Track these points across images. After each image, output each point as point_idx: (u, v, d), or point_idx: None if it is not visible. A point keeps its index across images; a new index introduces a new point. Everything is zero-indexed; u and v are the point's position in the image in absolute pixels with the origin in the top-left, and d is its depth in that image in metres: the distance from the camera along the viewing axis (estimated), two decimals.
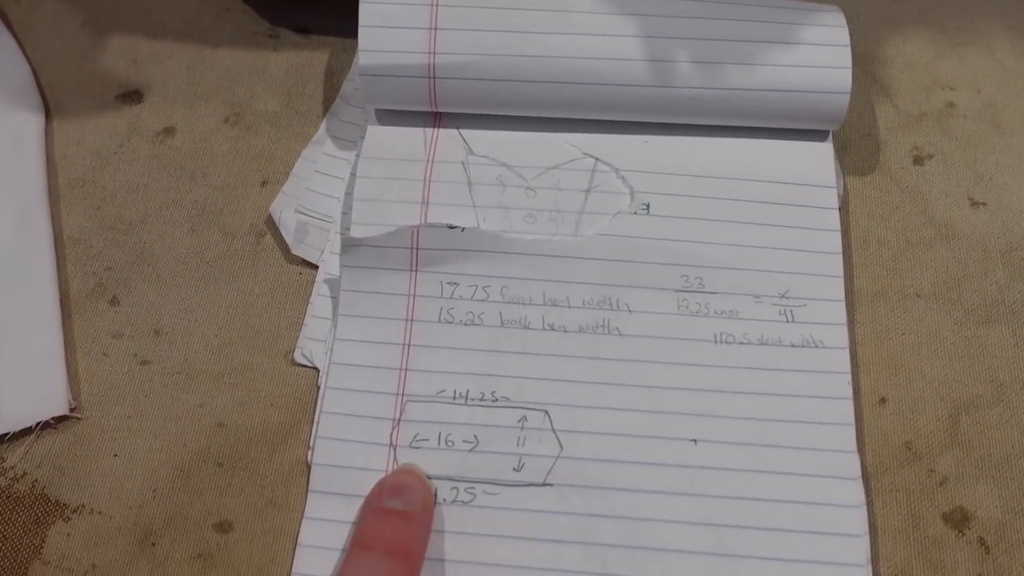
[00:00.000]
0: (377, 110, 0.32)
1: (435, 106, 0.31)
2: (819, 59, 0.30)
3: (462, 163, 0.31)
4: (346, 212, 0.32)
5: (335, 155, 0.34)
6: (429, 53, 0.30)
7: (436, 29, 0.30)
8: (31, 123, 0.35)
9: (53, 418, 0.29)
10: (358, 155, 0.33)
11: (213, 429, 0.29)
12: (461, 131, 0.32)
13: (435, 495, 0.27)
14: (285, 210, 0.32)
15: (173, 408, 0.30)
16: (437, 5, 0.30)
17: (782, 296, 0.29)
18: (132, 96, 0.36)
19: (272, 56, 0.37)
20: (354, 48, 0.36)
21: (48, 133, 0.35)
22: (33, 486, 0.28)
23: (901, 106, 0.34)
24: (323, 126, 0.35)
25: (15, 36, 0.37)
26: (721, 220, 0.30)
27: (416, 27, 0.30)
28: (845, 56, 0.30)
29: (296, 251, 0.32)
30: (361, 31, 0.30)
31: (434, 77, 0.30)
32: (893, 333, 0.30)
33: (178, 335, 0.31)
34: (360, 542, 0.25)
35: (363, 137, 0.32)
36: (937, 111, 0.34)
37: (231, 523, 0.28)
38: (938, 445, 0.28)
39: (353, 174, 0.32)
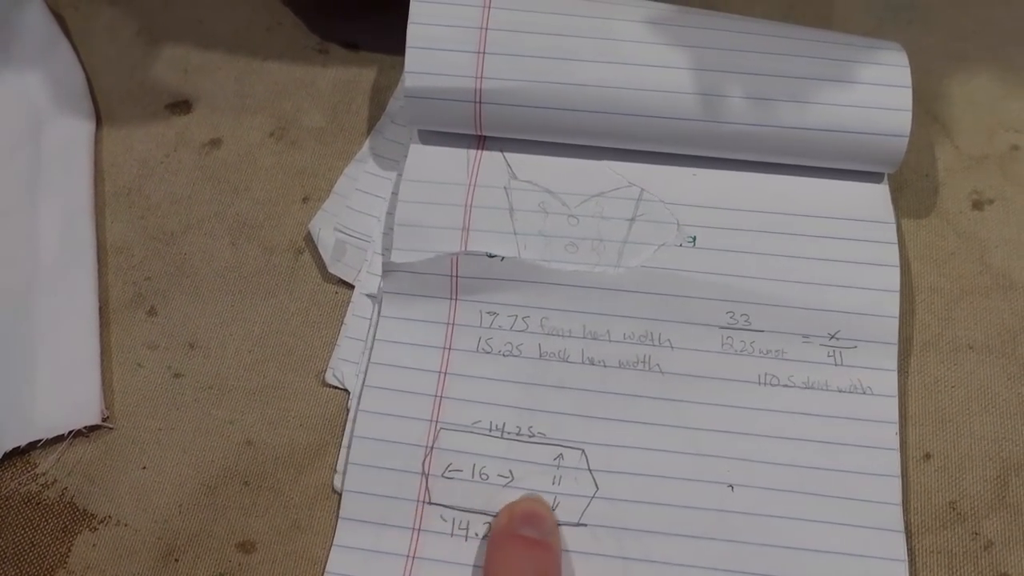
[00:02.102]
0: (420, 130, 0.32)
1: (480, 129, 0.31)
2: (878, 100, 0.29)
3: (504, 188, 0.31)
4: (386, 232, 0.32)
5: (377, 174, 0.33)
6: (476, 77, 0.30)
7: (484, 53, 0.30)
8: (82, 130, 0.35)
9: (85, 427, 0.29)
10: (399, 175, 0.32)
11: (241, 447, 0.29)
12: (505, 154, 0.31)
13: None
14: (324, 228, 0.32)
15: (203, 423, 0.29)
16: (486, 29, 0.30)
17: (831, 337, 0.28)
18: (181, 106, 0.36)
19: (320, 71, 0.37)
20: (402, 66, 0.36)
21: (98, 140, 0.35)
22: (62, 494, 0.28)
23: (962, 147, 0.33)
24: (367, 144, 0.34)
25: (72, 43, 0.37)
26: (770, 255, 0.29)
27: (464, 50, 0.30)
28: (906, 98, 0.29)
29: (332, 270, 0.31)
30: (408, 52, 0.30)
31: (480, 102, 0.30)
32: (942, 385, 0.29)
33: (212, 349, 0.31)
34: (500, 571, 0.24)
35: (406, 157, 0.32)
36: (1000, 154, 0.33)
37: (254, 543, 0.28)
38: (984, 506, 0.27)
39: (394, 194, 0.32)
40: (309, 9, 0.38)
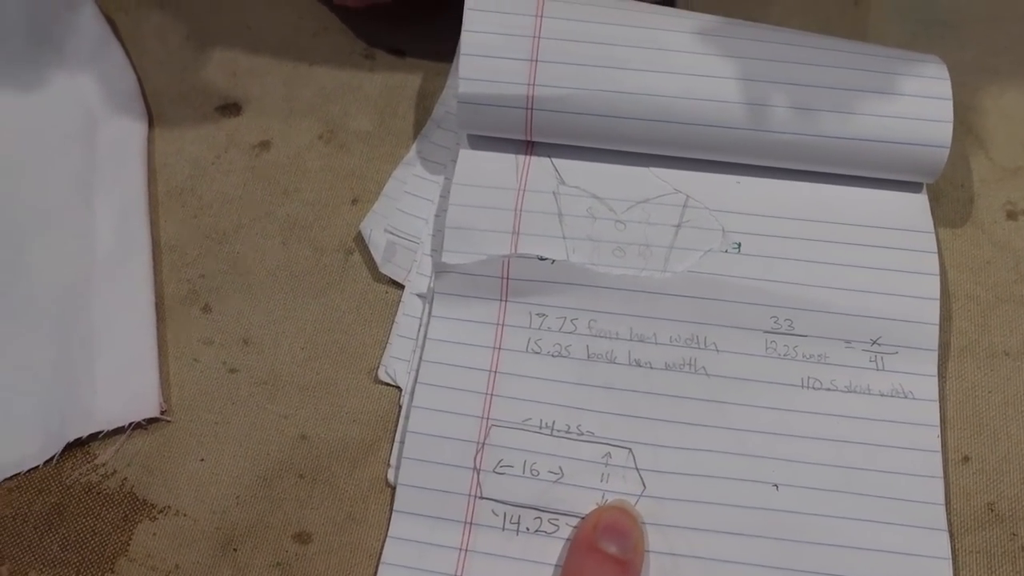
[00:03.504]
0: (470, 135, 0.33)
1: (529, 135, 0.32)
2: (920, 111, 0.30)
3: (553, 193, 0.32)
4: (434, 234, 0.33)
5: (425, 177, 0.34)
6: (528, 84, 0.31)
7: (536, 61, 0.31)
8: (135, 131, 0.36)
9: (144, 419, 0.30)
10: (447, 179, 0.33)
11: (296, 441, 0.30)
12: (553, 160, 0.32)
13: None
14: (375, 229, 0.33)
15: (258, 417, 0.30)
16: (539, 37, 0.31)
17: (873, 342, 0.29)
18: (231, 108, 0.37)
19: (367, 76, 0.38)
20: (447, 72, 0.37)
21: (150, 141, 0.36)
22: (122, 484, 0.29)
23: (996, 159, 0.34)
24: (414, 147, 0.35)
25: (123, 46, 0.38)
26: (814, 262, 0.30)
27: (517, 58, 0.31)
28: (946, 110, 0.30)
29: (384, 270, 0.32)
30: (462, 59, 0.31)
31: (532, 108, 0.31)
32: (979, 391, 0.30)
33: (266, 346, 0.32)
34: None
35: (454, 161, 0.33)
36: None
37: (310, 534, 0.28)
38: (1022, 508, 0.28)
39: (443, 196, 0.33)
40: (354, 15, 0.39)
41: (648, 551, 0.27)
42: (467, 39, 0.31)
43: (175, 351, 0.32)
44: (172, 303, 0.33)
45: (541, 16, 0.31)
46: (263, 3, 0.40)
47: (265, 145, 0.36)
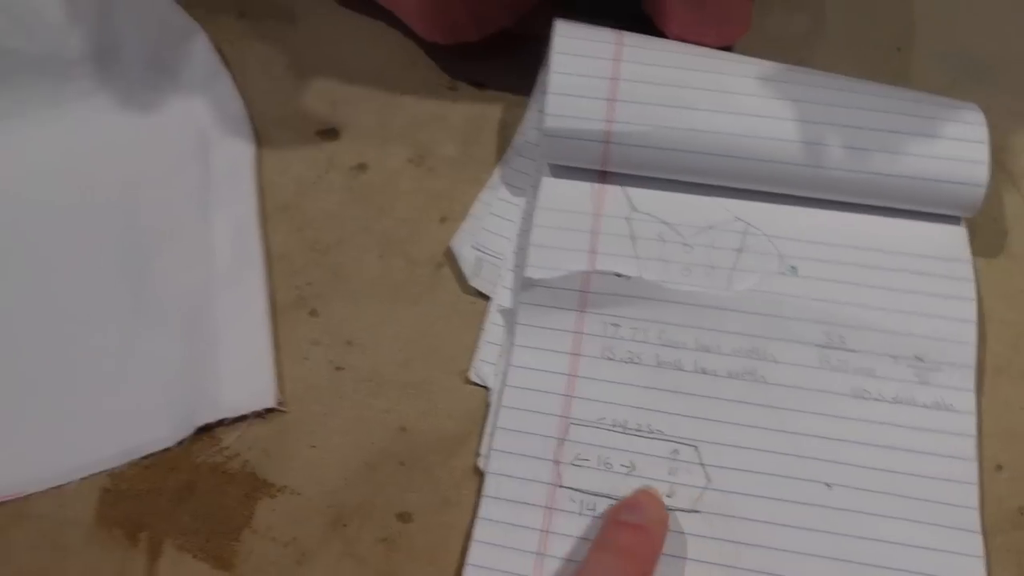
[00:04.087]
0: (551, 164, 0.37)
1: (605, 166, 0.36)
2: (959, 153, 0.34)
3: (626, 219, 0.36)
4: (517, 251, 0.37)
5: (508, 200, 0.38)
6: (607, 121, 0.35)
7: (615, 100, 0.35)
8: (244, 151, 0.41)
9: (263, 409, 0.34)
10: (528, 202, 0.38)
11: (396, 432, 0.34)
12: (625, 189, 0.36)
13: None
14: (464, 246, 0.37)
15: (363, 411, 0.35)
16: (617, 79, 0.35)
17: (917, 359, 0.33)
18: (330, 133, 0.41)
19: (452, 106, 0.42)
20: (524, 104, 0.42)
21: (258, 161, 0.41)
22: (244, 465, 0.34)
23: None
24: (496, 173, 0.40)
25: (231, 73, 0.43)
26: (863, 285, 0.34)
27: (597, 97, 0.35)
28: (983, 152, 0.34)
29: (472, 283, 0.37)
30: (549, 97, 0.35)
31: (609, 142, 0.35)
32: (1012, 407, 0.34)
33: (368, 347, 0.36)
34: (598, 546, 0.29)
35: (536, 187, 0.37)
36: None
37: (411, 514, 0.33)
38: None
39: (525, 218, 0.37)
40: (440, 50, 0.43)
41: (713, 538, 0.31)
42: (554, 80, 0.35)
43: (287, 350, 0.36)
44: (283, 307, 0.37)
45: (620, 61, 0.35)
46: (357, 38, 0.44)
47: (362, 167, 0.40)
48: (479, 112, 0.42)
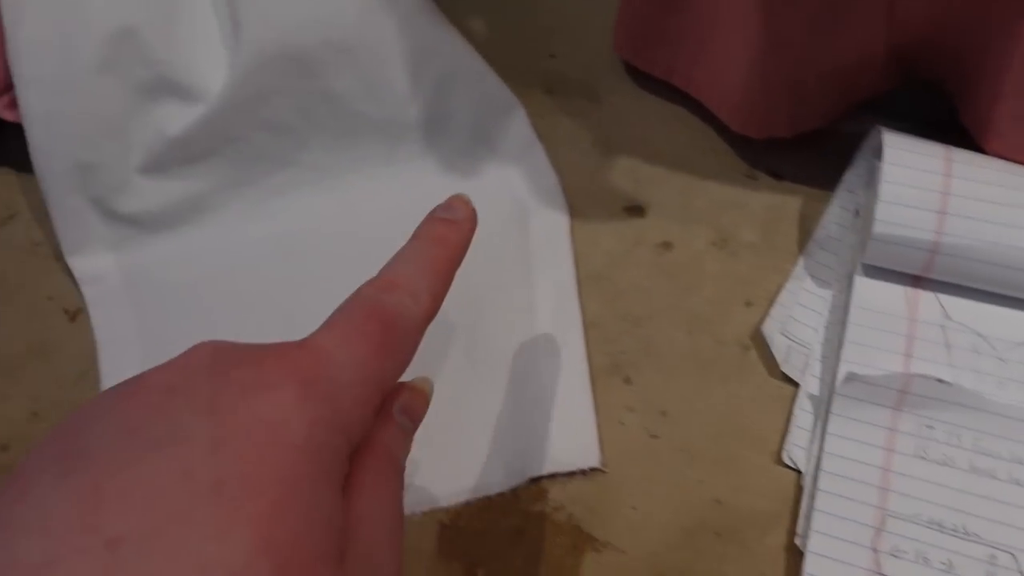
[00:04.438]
0: (864, 264, 0.40)
1: (925, 274, 0.38)
2: None
3: (940, 326, 0.38)
4: (825, 343, 0.39)
5: (813, 292, 0.41)
6: (936, 232, 0.37)
7: (945, 214, 0.37)
8: (560, 222, 0.45)
9: (587, 468, 0.38)
10: (835, 295, 0.40)
11: (711, 503, 0.37)
12: (939, 295, 0.39)
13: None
14: (774, 332, 0.40)
15: (678, 479, 0.38)
16: (948, 194, 0.37)
17: None
18: (636, 210, 0.45)
19: (751, 194, 0.45)
20: (823, 198, 0.44)
21: (572, 230, 0.45)
22: (569, 518, 0.37)
23: None
24: (800, 263, 0.42)
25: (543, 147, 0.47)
26: None
27: (927, 209, 0.37)
28: None
29: (784, 369, 0.39)
30: (879, 205, 0.38)
31: (935, 253, 0.37)
32: None
33: (680, 419, 0.39)
34: (415, 236, 0.31)
35: (846, 284, 0.40)
36: None
37: None
38: None
39: (832, 311, 0.40)
40: (738, 138, 0.46)
41: None
42: (885, 189, 0.38)
43: (604, 414, 0.40)
44: (598, 372, 0.41)
45: (950, 176, 0.38)
46: (657, 119, 0.48)
47: (667, 245, 0.44)
48: (778, 202, 0.45)
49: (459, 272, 0.39)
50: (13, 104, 0.47)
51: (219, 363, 0.24)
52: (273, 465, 0.21)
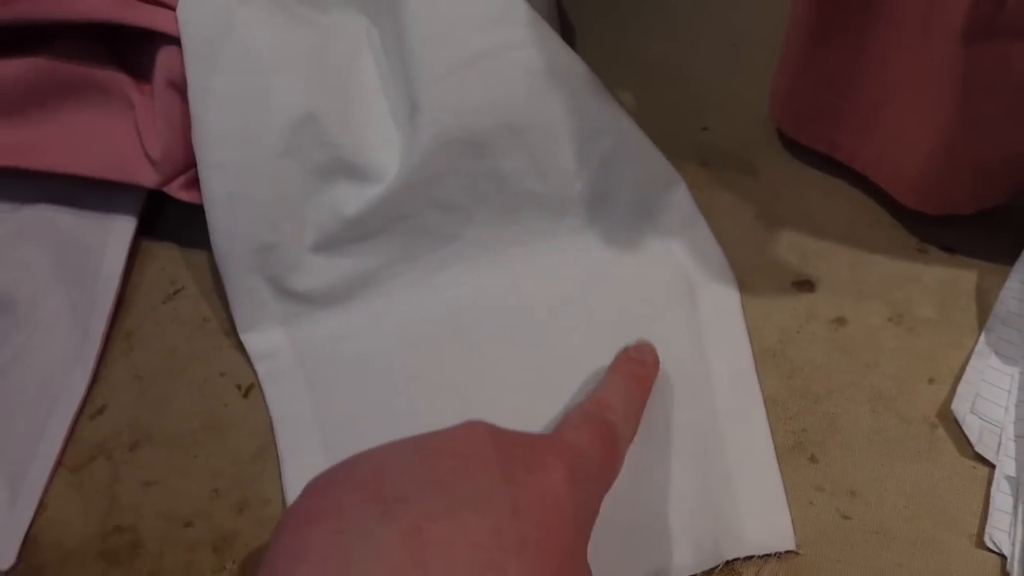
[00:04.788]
0: None
1: None
2: None
3: None
4: (1017, 422, 0.39)
5: (999, 369, 0.41)
6: None
7: None
8: (730, 296, 0.45)
9: (780, 551, 0.38)
10: (1022, 373, 0.40)
11: None
12: None
13: None
14: (965, 412, 0.40)
15: (874, 561, 0.38)
16: None
17: None
18: (805, 284, 0.46)
19: (923, 268, 0.45)
20: (1000, 272, 0.44)
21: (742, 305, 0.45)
22: None
23: None
24: (982, 339, 0.42)
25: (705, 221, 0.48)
26: None
27: None
28: None
29: (978, 449, 0.39)
30: None
31: None
32: None
33: (872, 499, 0.39)
34: (612, 369, 0.38)
35: None
36: None
37: None
38: None
39: (1021, 389, 0.40)
40: (906, 212, 0.47)
41: None
42: None
43: (792, 493, 0.40)
44: (782, 451, 0.41)
45: None
46: (819, 193, 0.49)
47: (841, 321, 0.44)
48: (952, 276, 0.45)
49: (627, 342, 0.41)
50: (188, 185, 0.49)
51: (499, 440, 0.29)
52: (558, 533, 0.27)
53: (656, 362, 0.39)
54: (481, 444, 0.28)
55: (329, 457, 0.41)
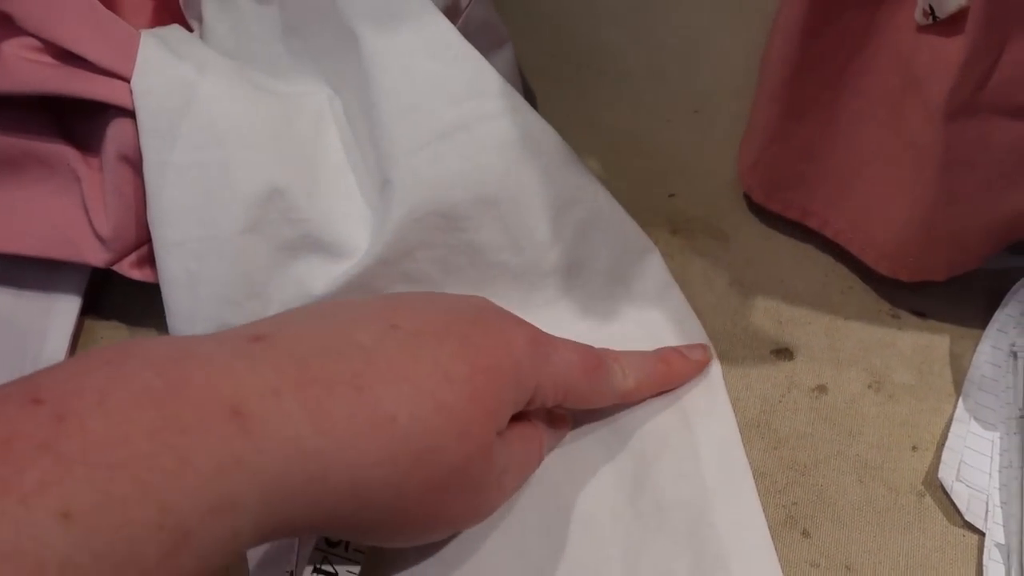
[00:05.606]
0: None
1: None
2: None
3: None
4: (1002, 488, 0.41)
5: (980, 434, 0.43)
6: None
7: None
8: (711, 366, 0.46)
9: None
10: (1002, 437, 0.42)
11: None
12: None
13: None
14: (951, 479, 0.41)
15: None
16: None
17: None
18: (784, 352, 0.47)
19: (897, 334, 0.47)
20: (971, 335, 0.46)
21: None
22: None
23: None
24: (961, 406, 0.44)
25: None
26: None
27: None
28: None
29: (967, 517, 0.40)
30: None
31: None
32: None
33: (866, 573, 0.40)
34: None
35: (1004, 422, 0.41)
36: None
37: None
38: None
39: (1002, 455, 0.41)
40: (876, 278, 0.48)
41: None
42: None
43: (787, 569, 0.40)
44: (774, 526, 0.41)
45: None
46: (791, 259, 0.50)
47: (822, 389, 0.45)
48: (926, 341, 0.47)
49: (613, 419, 0.42)
50: (140, 263, 0.48)
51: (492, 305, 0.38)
52: (502, 356, 0.34)
53: (702, 364, 0.43)
54: (470, 297, 0.39)
55: None
